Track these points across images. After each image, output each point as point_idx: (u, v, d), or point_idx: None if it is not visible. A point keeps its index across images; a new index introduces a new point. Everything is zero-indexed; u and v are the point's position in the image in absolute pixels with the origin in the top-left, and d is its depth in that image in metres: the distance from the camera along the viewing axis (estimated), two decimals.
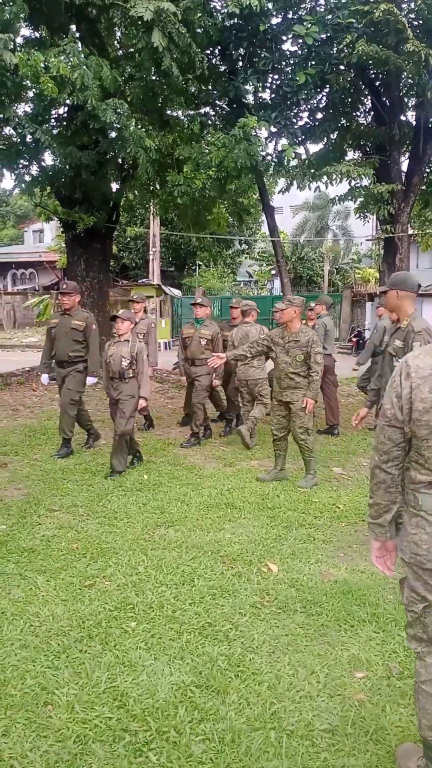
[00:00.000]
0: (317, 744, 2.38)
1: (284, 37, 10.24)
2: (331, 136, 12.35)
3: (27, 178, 11.95)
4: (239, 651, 2.99)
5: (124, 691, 2.66)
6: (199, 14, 9.13)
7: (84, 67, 8.13)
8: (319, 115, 11.93)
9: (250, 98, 11.78)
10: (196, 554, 4.13)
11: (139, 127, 9.83)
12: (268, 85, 11.19)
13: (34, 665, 2.85)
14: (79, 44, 9.77)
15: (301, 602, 3.49)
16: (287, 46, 10.58)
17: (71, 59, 8.05)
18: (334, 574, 3.88)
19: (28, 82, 8.43)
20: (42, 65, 7.83)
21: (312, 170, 12.30)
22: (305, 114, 11.71)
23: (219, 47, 10.56)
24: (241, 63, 10.67)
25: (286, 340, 5.80)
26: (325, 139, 12.33)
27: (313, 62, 10.08)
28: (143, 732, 2.42)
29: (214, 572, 3.86)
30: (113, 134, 9.97)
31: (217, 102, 11.95)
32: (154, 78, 9.72)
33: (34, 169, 11.64)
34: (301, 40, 9.48)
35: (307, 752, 2.34)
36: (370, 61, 9.40)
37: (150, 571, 3.86)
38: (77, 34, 8.48)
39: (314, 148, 12.71)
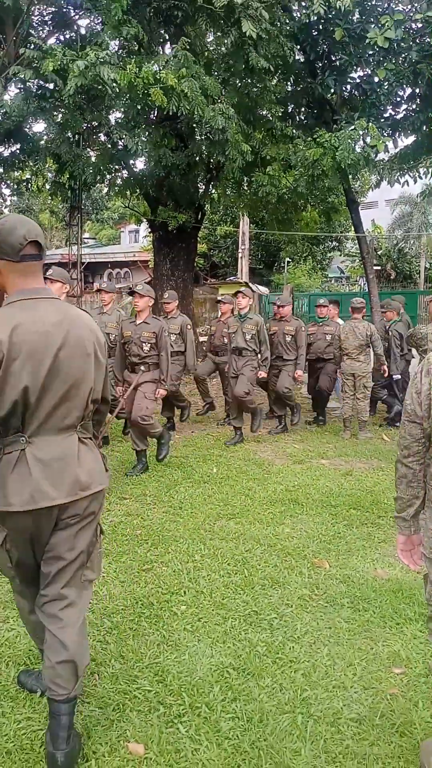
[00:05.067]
0: (342, 731, 2.44)
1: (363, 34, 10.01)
2: (424, 128, 11.98)
3: (119, 181, 12.51)
4: (280, 639, 3.08)
5: (165, 668, 2.83)
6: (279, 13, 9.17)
7: (191, 77, 8.38)
8: (405, 107, 11.60)
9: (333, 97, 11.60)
10: (252, 546, 4.24)
11: (235, 131, 9.98)
12: (349, 81, 11.00)
13: (88, 639, 3.07)
14: (168, 47, 10.07)
15: (349, 598, 3.52)
16: (368, 39, 10.32)
17: (180, 71, 8.30)
18: (387, 572, 3.88)
19: (128, 94, 8.68)
20: (152, 77, 8.13)
21: (401, 164, 11.99)
22: (389, 107, 11.41)
23: (298, 47, 10.51)
24: (319, 62, 10.57)
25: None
26: (416, 132, 11.98)
27: (393, 58, 9.80)
28: (177, 705, 2.57)
29: (267, 564, 3.96)
30: (211, 138, 10.11)
31: (303, 100, 11.89)
32: (246, 80, 9.90)
33: (125, 173, 12.14)
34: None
35: (331, 738, 2.40)
36: None
37: (206, 559, 4.02)
38: (187, 41, 8.75)
39: (403, 141, 12.37)
